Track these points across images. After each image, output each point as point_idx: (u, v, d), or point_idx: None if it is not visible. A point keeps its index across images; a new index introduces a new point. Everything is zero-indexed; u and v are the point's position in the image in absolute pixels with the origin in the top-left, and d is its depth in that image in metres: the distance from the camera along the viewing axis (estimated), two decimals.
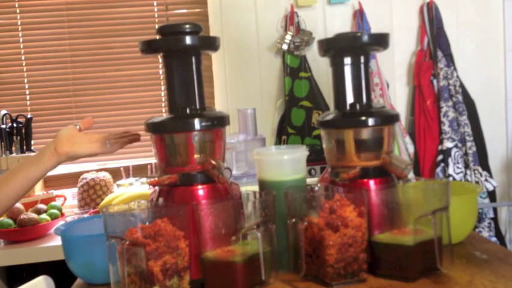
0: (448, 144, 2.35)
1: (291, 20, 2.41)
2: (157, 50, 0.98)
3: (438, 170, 2.38)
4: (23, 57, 2.46)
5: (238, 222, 0.88)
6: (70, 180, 2.43)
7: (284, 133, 2.42)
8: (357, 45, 0.99)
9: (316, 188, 0.97)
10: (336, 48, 1.01)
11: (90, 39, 2.47)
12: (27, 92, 2.47)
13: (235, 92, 2.48)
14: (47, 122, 2.48)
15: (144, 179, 2.25)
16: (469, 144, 2.36)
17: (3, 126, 2.30)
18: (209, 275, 0.89)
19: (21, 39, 2.45)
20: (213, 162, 0.93)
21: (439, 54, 2.39)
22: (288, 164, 0.99)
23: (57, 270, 1.63)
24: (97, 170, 2.37)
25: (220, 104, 2.46)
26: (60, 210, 2.10)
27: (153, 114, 1.14)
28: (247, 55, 2.47)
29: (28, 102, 2.47)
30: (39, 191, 2.39)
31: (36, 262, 1.92)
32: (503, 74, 2.52)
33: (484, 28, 2.50)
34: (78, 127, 1.21)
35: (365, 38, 0.99)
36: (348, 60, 1.00)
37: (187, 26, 0.95)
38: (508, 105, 2.53)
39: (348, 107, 1.00)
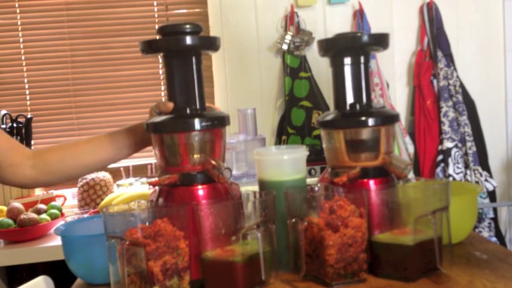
0: (448, 144, 2.35)
1: (291, 20, 2.42)
2: (157, 50, 0.98)
3: (438, 170, 2.38)
4: (23, 57, 2.46)
5: (238, 222, 0.88)
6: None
7: (284, 133, 2.42)
8: (357, 45, 0.99)
9: (316, 188, 0.97)
10: (336, 48, 1.00)
11: (90, 39, 2.47)
12: (27, 92, 2.47)
13: (235, 92, 2.48)
14: (47, 122, 2.48)
15: (144, 179, 2.25)
16: (469, 144, 2.36)
17: (3, 126, 2.30)
18: (209, 275, 0.89)
19: (21, 39, 2.45)
20: (213, 162, 0.93)
21: (439, 54, 2.39)
22: (288, 164, 0.99)
23: (57, 270, 1.63)
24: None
25: (220, 104, 2.46)
26: (60, 210, 2.10)
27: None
28: (247, 55, 2.47)
29: (28, 102, 2.47)
30: (39, 191, 2.39)
31: (36, 262, 1.92)
32: (503, 74, 2.52)
33: (484, 28, 2.50)
34: None
35: (365, 38, 0.99)
36: (347, 60, 1.00)
37: (187, 26, 0.95)
38: (508, 105, 2.53)
39: (348, 107, 1.00)
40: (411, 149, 2.40)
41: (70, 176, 1.12)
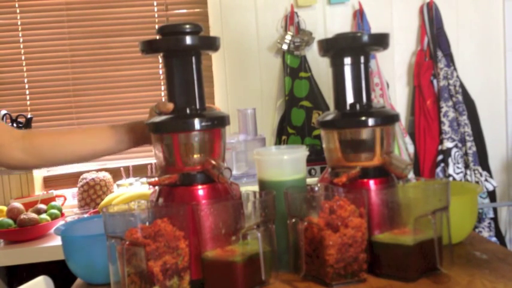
0: (448, 144, 2.35)
1: (291, 20, 2.41)
2: (157, 50, 0.98)
3: (438, 170, 2.38)
4: (23, 57, 2.46)
5: (238, 222, 0.88)
6: (70, 180, 2.43)
7: (284, 133, 2.42)
8: (357, 45, 0.99)
9: (316, 188, 0.97)
10: (336, 48, 1.00)
11: (90, 39, 2.47)
12: (27, 92, 2.47)
13: (235, 92, 2.48)
14: (47, 122, 2.48)
15: (144, 179, 2.25)
16: (469, 144, 2.36)
17: None
18: (209, 275, 0.89)
19: (21, 39, 2.45)
20: (213, 162, 0.93)
21: (439, 54, 2.39)
22: (288, 164, 0.99)
23: (57, 270, 1.63)
24: (97, 170, 2.37)
25: (220, 104, 2.46)
26: (60, 210, 2.10)
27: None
28: (247, 55, 2.47)
29: (28, 102, 2.47)
30: (39, 191, 2.39)
31: (36, 262, 1.92)
32: (503, 74, 2.52)
33: (484, 28, 2.50)
34: None
35: (365, 38, 0.99)
36: (347, 60, 1.00)
37: (187, 26, 0.95)
38: (508, 105, 2.53)
39: (348, 107, 1.00)
40: (411, 149, 2.40)
41: (61, 163, 1.11)
